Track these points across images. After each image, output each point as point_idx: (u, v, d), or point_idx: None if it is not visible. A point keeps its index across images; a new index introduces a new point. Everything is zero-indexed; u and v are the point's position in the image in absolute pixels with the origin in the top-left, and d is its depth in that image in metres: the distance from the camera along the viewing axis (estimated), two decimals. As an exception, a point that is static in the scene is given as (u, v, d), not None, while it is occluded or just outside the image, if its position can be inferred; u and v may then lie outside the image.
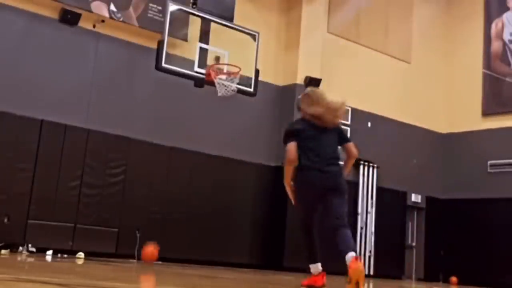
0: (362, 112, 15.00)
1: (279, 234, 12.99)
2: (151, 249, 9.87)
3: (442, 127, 16.61)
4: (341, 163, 5.92)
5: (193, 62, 10.29)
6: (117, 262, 9.61)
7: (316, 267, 5.97)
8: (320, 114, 5.74)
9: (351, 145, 6.05)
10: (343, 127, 6.31)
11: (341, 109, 5.97)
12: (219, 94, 10.20)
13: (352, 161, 6.08)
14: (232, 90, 10.26)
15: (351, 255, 5.37)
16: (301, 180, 5.62)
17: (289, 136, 5.66)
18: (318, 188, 5.59)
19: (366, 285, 10.02)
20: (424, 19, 16.78)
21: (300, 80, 13.64)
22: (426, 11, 16.89)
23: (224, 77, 10.32)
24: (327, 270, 6.00)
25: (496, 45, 16.08)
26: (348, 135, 14.78)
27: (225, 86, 10.21)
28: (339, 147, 6.00)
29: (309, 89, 6.15)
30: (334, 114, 5.86)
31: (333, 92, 15.72)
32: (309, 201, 5.74)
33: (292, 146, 5.57)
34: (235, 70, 10.34)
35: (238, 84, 10.52)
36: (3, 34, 10.41)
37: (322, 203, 5.70)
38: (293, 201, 5.79)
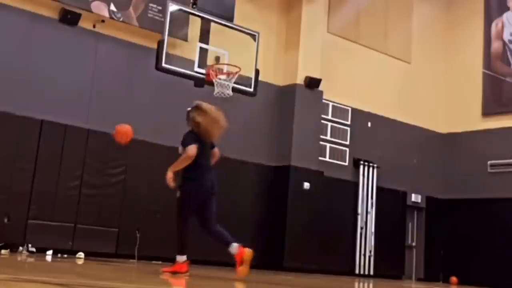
0: (362, 112, 15.00)
1: (279, 234, 12.98)
2: (125, 128, 7.69)
3: (442, 127, 16.61)
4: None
5: (193, 62, 10.29)
6: (117, 262, 9.61)
7: (184, 257, 6.96)
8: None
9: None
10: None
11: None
12: (215, 93, 10.20)
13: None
14: (228, 94, 10.26)
15: (236, 244, 6.66)
16: (195, 179, 6.67)
17: (191, 139, 6.58)
18: (208, 190, 6.81)
19: (366, 285, 10.02)
20: (424, 19, 16.78)
21: (300, 80, 13.64)
22: (426, 11, 16.89)
23: (224, 77, 10.33)
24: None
25: (496, 45, 16.08)
26: (348, 135, 14.94)
27: (224, 86, 10.21)
28: None
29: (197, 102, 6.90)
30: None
31: (333, 92, 15.83)
32: (198, 199, 6.81)
33: (194, 147, 6.55)
34: (235, 70, 10.34)
35: (239, 84, 10.53)
36: (3, 34, 10.40)
37: (205, 203, 6.88)
38: (170, 185, 6.83)
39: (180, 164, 6.64)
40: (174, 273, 6.60)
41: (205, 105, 6.75)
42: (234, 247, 6.55)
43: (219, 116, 6.74)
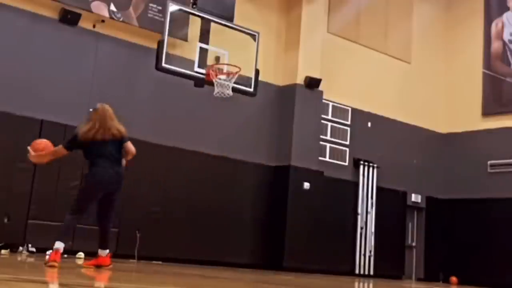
0: (362, 112, 15.00)
1: (279, 234, 12.98)
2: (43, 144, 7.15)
3: (442, 127, 16.61)
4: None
5: (193, 62, 10.29)
6: (117, 262, 9.61)
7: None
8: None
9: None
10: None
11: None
12: (215, 93, 10.20)
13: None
14: (228, 94, 10.27)
15: (108, 251, 7.01)
16: (93, 175, 6.67)
17: (70, 139, 7.17)
18: (105, 186, 6.67)
19: (366, 285, 10.01)
20: (424, 19, 16.78)
21: (300, 80, 13.64)
22: (426, 11, 16.89)
23: (224, 77, 10.32)
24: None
25: (496, 45, 16.08)
26: (348, 135, 14.93)
27: (224, 86, 10.21)
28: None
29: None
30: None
31: (333, 92, 15.83)
32: (94, 194, 6.68)
33: (61, 147, 7.05)
34: (235, 70, 10.34)
35: (239, 84, 10.52)
36: (3, 34, 10.40)
37: (104, 199, 6.75)
38: (33, 161, 6.99)
39: (45, 157, 6.97)
40: (97, 266, 6.81)
41: (100, 105, 7.35)
42: (105, 252, 6.91)
43: (105, 112, 7.23)
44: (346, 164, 14.53)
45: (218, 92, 10.25)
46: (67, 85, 10.91)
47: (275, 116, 13.64)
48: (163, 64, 9.92)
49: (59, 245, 6.65)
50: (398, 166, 15.42)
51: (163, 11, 10.90)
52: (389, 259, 14.88)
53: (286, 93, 13.66)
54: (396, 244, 15.19)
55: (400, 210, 15.42)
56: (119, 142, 6.95)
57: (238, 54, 10.60)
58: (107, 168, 6.68)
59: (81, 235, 10.69)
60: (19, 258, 8.23)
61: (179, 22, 11.09)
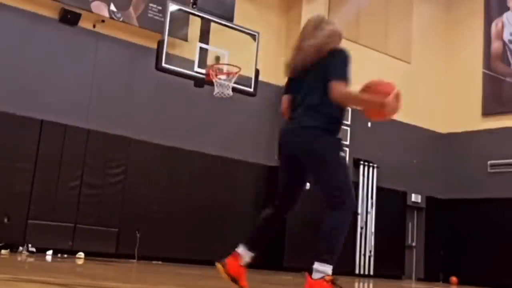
0: (362, 112, 14.98)
1: (279, 234, 12.97)
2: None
3: (442, 127, 16.61)
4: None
5: (193, 62, 10.29)
6: (117, 262, 9.61)
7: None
8: None
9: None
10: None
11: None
12: (215, 93, 10.21)
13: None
14: (228, 94, 10.27)
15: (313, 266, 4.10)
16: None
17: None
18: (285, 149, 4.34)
19: (366, 285, 10.01)
20: (424, 19, 16.78)
21: (300, 80, 13.63)
22: (426, 11, 16.89)
23: (224, 77, 10.33)
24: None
25: (496, 45, 16.08)
26: (348, 135, 14.94)
27: (224, 86, 10.21)
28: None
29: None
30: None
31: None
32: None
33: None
34: (235, 70, 10.34)
35: (239, 84, 10.53)
36: (3, 34, 10.40)
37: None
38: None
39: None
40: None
41: None
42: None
43: None
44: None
45: (218, 92, 10.25)
46: (67, 85, 10.92)
47: (275, 116, 13.62)
48: (163, 64, 9.93)
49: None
50: (398, 166, 15.42)
51: (163, 11, 10.90)
52: (389, 259, 14.87)
53: (286, 93, 13.65)
54: (396, 244, 15.18)
55: (400, 210, 15.42)
56: None
57: (238, 54, 10.61)
58: None
59: (81, 235, 10.71)
60: (19, 258, 8.23)
61: (179, 22, 11.09)
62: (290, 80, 4.52)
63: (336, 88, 4.12)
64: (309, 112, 4.23)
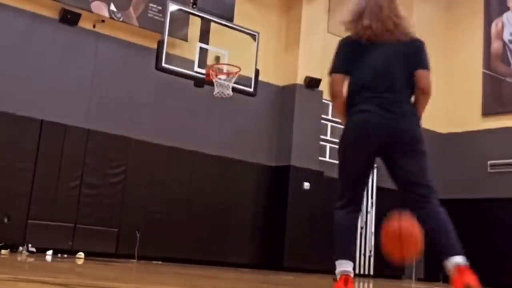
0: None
1: (279, 234, 12.98)
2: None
3: (442, 127, 16.60)
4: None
5: (193, 62, 10.29)
6: (117, 262, 9.62)
7: (341, 265, 3.99)
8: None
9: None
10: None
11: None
12: (215, 93, 10.21)
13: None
14: (228, 94, 10.28)
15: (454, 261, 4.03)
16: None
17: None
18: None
19: (366, 285, 10.01)
20: (424, 19, 16.76)
21: (300, 80, 13.64)
22: (426, 11, 16.88)
23: (224, 77, 10.33)
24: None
25: (496, 45, 16.08)
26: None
27: (224, 86, 10.21)
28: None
29: None
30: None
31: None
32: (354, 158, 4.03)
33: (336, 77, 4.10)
34: (235, 70, 10.34)
35: (239, 84, 10.53)
36: (3, 34, 10.41)
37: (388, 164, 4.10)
38: None
39: None
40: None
41: None
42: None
43: None
44: (346, 164, 14.52)
45: (218, 92, 10.26)
46: (67, 85, 10.92)
47: (275, 116, 13.64)
48: (163, 64, 9.93)
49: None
50: (398, 166, 15.39)
51: (163, 11, 10.90)
52: (389, 259, 14.86)
53: (286, 93, 13.66)
54: (396, 244, 15.16)
55: (400, 210, 15.40)
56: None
57: (238, 54, 10.61)
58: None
59: (81, 235, 10.71)
60: (19, 258, 8.23)
61: (179, 22, 11.09)
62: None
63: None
64: (407, 99, 4.09)
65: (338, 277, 3.92)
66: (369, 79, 4.00)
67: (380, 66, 3.99)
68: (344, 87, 4.12)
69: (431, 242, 4.13)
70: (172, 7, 10.13)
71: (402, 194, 4.41)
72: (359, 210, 4.24)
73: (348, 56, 4.11)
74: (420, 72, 4.08)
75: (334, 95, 4.15)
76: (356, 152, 4.00)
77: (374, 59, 4.02)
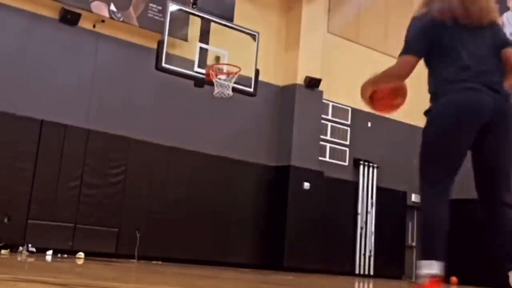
0: (362, 112, 14.99)
1: (279, 234, 12.98)
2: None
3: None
4: None
5: (193, 62, 10.29)
6: (117, 262, 9.62)
7: (431, 266, 3.62)
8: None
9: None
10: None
11: None
12: (215, 93, 10.21)
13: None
14: (228, 94, 10.28)
15: None
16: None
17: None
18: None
19: (366, 285, 10.01)
20: (424, 19, 16.77)
21: (300, 80, 13.64)
22: (426, 11, 16.88)
23: (224, 77, 10.33)
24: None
25: (496, 45, 16.08)
26: (348, 135, 14.97)
27: (224, 86, 10.21)
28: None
29: None
30: None
31: (333, 92, 15.79)
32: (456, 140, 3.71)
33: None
34: (235, 70, 10.34)
35: (239, 84, 10.53)
36: (3, 34, 10.41)
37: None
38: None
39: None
40: None
41: None
42: None
43: None
44: (346, 164, 14.53)
45: (218, 92, 10.25)
46: (67, 85, 10.93)
47: (275, 116, 13.64)
48: (163, 64, 9.92)
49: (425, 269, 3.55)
50: (398, 166, 15.41)
51: (163, 11, 10.90)
52: (389, 259, 14.87)
53: (286, 93, 13.66)
54: (396, 244, 15.18)
55: (400, 210, 15.41)
56: None
57: (238, 54, 10.61)
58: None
59: (81, 235, 10.71)
60: (19, 258, 8.23)
61: (179, 22, 11.09)
62: None
63: None
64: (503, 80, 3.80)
65: (426, 280, 3.49)
66: (468, 60, 3.85)
67: (480, 48, 3.86)
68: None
69: (495, 245, 3.64)
70: (172, 7, 10.13)
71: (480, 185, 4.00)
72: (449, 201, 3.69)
73: (431, 40, 3.96)
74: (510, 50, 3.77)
75: (400, 76, 4.01)
76: (464, 129, 3.71)
77: (472, 41, 3.89)
